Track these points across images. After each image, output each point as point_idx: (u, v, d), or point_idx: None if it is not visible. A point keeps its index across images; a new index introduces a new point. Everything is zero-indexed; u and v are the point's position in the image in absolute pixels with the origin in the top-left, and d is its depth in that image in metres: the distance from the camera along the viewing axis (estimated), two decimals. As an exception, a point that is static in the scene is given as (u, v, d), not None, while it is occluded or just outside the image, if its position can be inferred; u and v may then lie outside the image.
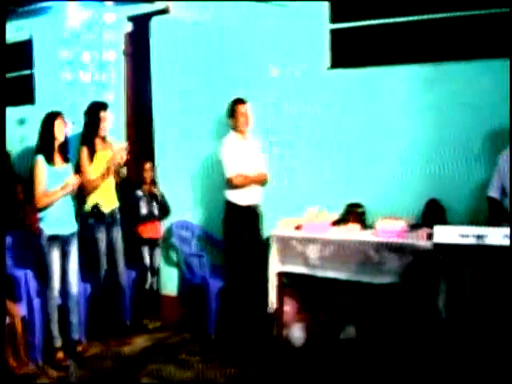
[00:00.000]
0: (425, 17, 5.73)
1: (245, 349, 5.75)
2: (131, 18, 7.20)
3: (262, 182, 6.03)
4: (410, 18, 5.80)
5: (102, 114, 6.07)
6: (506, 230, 4.31)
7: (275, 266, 5.61)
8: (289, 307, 5.87)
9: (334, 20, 6.16)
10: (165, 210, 6.84)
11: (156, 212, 6.79)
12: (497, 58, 5.40)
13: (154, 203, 6.78)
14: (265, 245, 5.75)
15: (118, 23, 7.14)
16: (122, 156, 6.02)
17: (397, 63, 5.87)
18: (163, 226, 6.96)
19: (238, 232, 5.90)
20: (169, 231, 6.90)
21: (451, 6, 5.60)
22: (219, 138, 6.13)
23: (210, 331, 6.24)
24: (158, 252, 6.86)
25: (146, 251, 6.75)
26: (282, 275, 5.66)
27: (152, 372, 5.49)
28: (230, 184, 5.86)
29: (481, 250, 4.29)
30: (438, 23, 5.68)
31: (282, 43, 6.30)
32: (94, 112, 6.06)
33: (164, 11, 6.89)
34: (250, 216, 5.97)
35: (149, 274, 6.77)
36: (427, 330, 4.93)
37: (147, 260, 6.76)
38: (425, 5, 5.70)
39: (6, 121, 5.85)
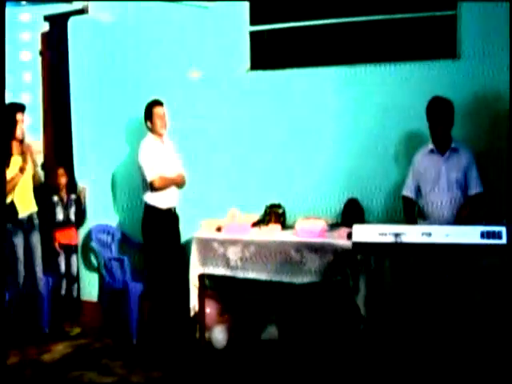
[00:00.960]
0: (342, 20, 5.78)
1: (167, 352, 5.64)
2: (48, 18, 6.96)
3: (181, 184, 5.94)
4: (328, 21, 5.84)
5: (19, 116, 5.83)
6: (423, 228, 4.35)
7: (196, 268, 5.52)
8: (210, 309, 5.79)
9: (253, 22, 6.12)
10: (80, 216, 6.62)
11: (72, 218, 6.57)
12: (411, 60, 5.51)
13: (72, 209, 6.55)
14: (185, 247, 5.66)
15: (34, 23, 6.91)
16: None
17: (315, 65, 5.89)
18: (81, 231, 6.75)
19: (157, 235, 5.79)
20: (88, 235, 6.70)
21: (368, 10, 5.69)
22: (137, 141, 5.99)
23: (131, 336, 6.09)
24: (74, 258, 6.62)
25: (62, 258, 6.52)
26: (203, 277, 5.56)
27: (74, 379, 5.30)
28: (152, 187, 5.74)
29: (399, 248, 4.32)
30: (353, 26, 5.75)
31: (202, 45, 6.22)
32: (10, 114, 5.80)
33: (82, 11, 6.69)
34: (169, 219, 5.89)
35: (64, 281, 6.53)
36: (348, 327, 4.96)
37: (63, 267, 6.53)
38: (342, 8, 5.75)
39: None
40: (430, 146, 5.05)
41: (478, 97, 5.40)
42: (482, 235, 4.10)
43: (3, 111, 5.55)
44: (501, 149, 5.34)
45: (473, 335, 4.54)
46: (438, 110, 4.95)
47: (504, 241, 4.06)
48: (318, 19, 5.87)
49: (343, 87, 5.75)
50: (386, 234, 4.27)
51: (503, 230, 4.08)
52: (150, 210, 5.82)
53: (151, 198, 5.80)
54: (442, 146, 5.00)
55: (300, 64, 5.96)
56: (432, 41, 5.56)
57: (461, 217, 4.85)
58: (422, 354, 4.58)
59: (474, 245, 4.10)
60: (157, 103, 5.89)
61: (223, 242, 5.41)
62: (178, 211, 5.97)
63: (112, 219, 6.70)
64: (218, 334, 5.74)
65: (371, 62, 5.67)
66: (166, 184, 5.78)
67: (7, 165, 5.68)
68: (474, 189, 4.96)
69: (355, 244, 4.39)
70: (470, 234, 4.14)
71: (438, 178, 4.99)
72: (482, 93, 5.39)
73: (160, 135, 5.90)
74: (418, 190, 5.11)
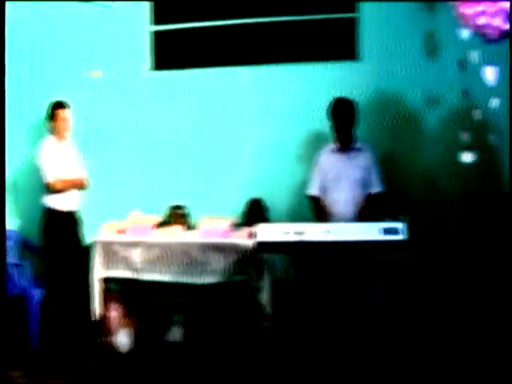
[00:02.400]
0: (246, 21, 5.74)
1: (70, 359, 5.39)
2: None
3: (82, 186, 5.70)
4: (232, 22, 5.78)
5: None
6: (325, 226, 4.43)
7: (98, 271, 5.34)
8: (114, 313, 5.59)
9: (155, 22, 5.97)
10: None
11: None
12: (314, 61, 5.51)
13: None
14: (87, 250, 5.43)
15: None
16: None
17: (219, 65, 5.82)
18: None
19: (58, 239, 5.55)
20: (-15, 240, 6.34)
21: (272, 11, 5.67)
22: (38, 141, 5.74)
23: (32, 343, 5.79)
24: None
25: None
26: (106, 281, 5.37)
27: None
28: (50, 189, 5.51)
29: (302, 246, 4.28)
30: (257, 27, 5.72)
31: (104, 45, 6.03)
32: None
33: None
34: (70, 222, 5.66)
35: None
36: (253, 326, 4.90)
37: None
38: (245, 9, 5.71)
39: None
40: (333, 145, 5.06)
41: (379, 97, 5.48)
42: (382, 232, 4.17)
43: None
44: (401, 148, 5.42)
45: (374, 330, 4.57)
46: (341, 110, 4.97)
47: (402, 237, 4.13)
48: (221, 20, 5.80)
49: (247, 87, 5.73)
50: (289, 233, 4.26)
51: (401, 226, 4.15)
52: (49, 212, 5.59)
53: (51, 201, 5.57)
54: (345, 145, 5.01)
55: (203, 64, 5.88)
56: (333, 42, 5.59)
57: (362, 215, 4.87)
58: (326, 350, 4.56)
59: (373, 241, 4.14)
60: (61, 105, 5.64)
61: (126, 245, 5.27)
62: (79, 214, 5.72)
63: (11, 223, 6.35)
64: (123, 338, 5.55)
65: (274, 63, 5.67)
66: (65, 186, 5.55)
67: None
68: (376, 187, 5.01)
69: (259, 243, 4.36)
70: (370, 231, 4.19)
71: (341, 176, 5.00)
72: (383, 93, 5.47)
73: (62, 137, 5.67)
74: (323, 189, 5.09)
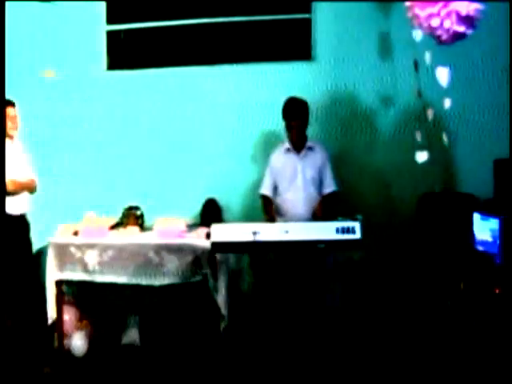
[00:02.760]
0: (201, 20, 5.69)
1: (24, 364, 5.26)
2: None
3: (32, 188, 5.53)
4: (187, 22, 5.73)
5: None
6: (280, 226, 4.39)
7: (53, 274, 5.23)
8: (69, 316, 5.49)
9: (110, 21, 5.89)
10: None
11: None
12: (268, 61, 5.51)
13: None
14: (40, 254, 5.33)
15: None
16: None
17: (174, 65, 5.77)
18: None
19: (8, 243, 5.36)
20: None
21: (227, 11, 5.65)
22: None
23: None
24: None
25: None
26: (60, 283, 5.26)
27: None
28: (-1, 191, 5.32)
29: (257, 246, 4.26)
30: (212, 27, 5.69)
31: (57, 44, 5.92)
32: None
33: None
34: (20, 225, 5.45)
35: None
36: (209, 327, 4.87)
37: None
38: (201, 8, 5.67)
39: None
40: (286, 145, 5.05)
41: (334, 97, 5.50)
42: (338, 231, 4.16)
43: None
44: (355, 148, 5.45)
45: (330, 328, 4.57)
46: (294, 110, 4.95)
47: (358, 236, 4.13)
48: (176, 19, 5.75)
49: (202, 87, 5.69)
50: (244, 233, 4.23)
51: (357, 225, 4.15)
52: (-1, 216, 5.41)
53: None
54: (298, 145, 5.01)
55: (159, 64, 5.82)
56: (288, 43, 5.59)
57: (315, 214, 4.86)
58: (283, 349, 4.54)
59: (329, 240, 4.13)
60: (8, 103, 5.48)
61: (80, 247, 5.17)
62: (29, 217, 5.56)
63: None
64: (78, 341, 5.45)
65: (229, 63, 5.63)
66: (16, 189, 5.36)
67: None
68: (329, 187, 5.01)
69: (214, 244, 4.31)
70: (325, 230, 4.18)
71: (295, 176, 4.99)
72: (337, 93, 5.49)
73: (10, 137, 5.50)
74: (276, 189, 5.07)
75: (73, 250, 5.18)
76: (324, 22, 5.47)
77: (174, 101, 5.72)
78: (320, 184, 5.01)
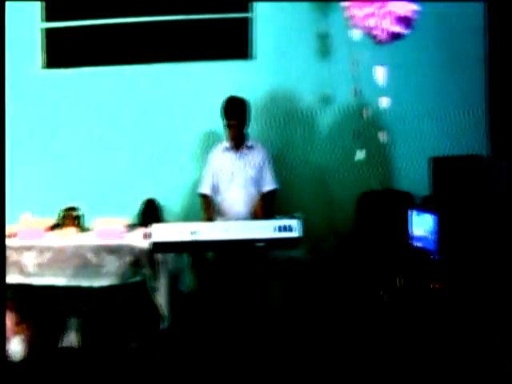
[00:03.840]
0: (140, 19, 5.63)
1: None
2: None
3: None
4: (125, 20, 5.66)
5: None
6: (220, 225, 4.38)
7: (-13, 277, 5.05)
8: (6, 320, 5.31)
9: (47, 19, 5.76)
10: None
11: None
12: (207, 60, 5.46)
13: None
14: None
15: None
16: None
17: (112, 63, 5.68)
18: None
19: None
20: None
21: (166, 9, 5.59)
22: None
23: None
24: None
25: None
26: (-4, 287, 5.11)
27: None
28: None
29: (197, 245, 4.22)
30: (150, 25, 5.63)
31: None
32: None
33: None
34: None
35: None
36: (150, 328, 4.80)
37: None
38: (140, 6, 5.60)
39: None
40: (226, 143, 5.03)
41: (272, 96, 5.50)
42: (276, 229, 4.15)
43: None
44: (295, 146, 5.46)
45: (270, 327, 4.57)
46: (232, 109, 4.92)
47: (297, 234, 4.13)
48: (114, 17, 5.66)
49: (141, 86, 5.62)
50: (184, 233, 4.18)
51: (296, 223, 4.15)
52: None
53: None
54: (237, 144, 4.98)
55: (96, 62, 5.72)
56: (227, 42, 5.57)
57: (255, 213, 4.84)
58: (224, 349, 4.52)
59: (268, 239, 4.12)
60: None
61: (17, 249, 5.00)
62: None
63: None
64: (15, 346, 5.30)
65: (168, 62, 5.58)
66: None
67: None
68: (268, 185, 5.00)
69: (154, 244, 4.26)
70: (264, 229, 4.17)
71: (234, 175, 4.97)
72: (276, 92, 5.49)
73: None
74: (215, 188, 5.04)
75: (9, 252, 5.00)
76: (263, 21, 5.47)
77: (112, 100, 5.63)
78: (260, 182, 4.99)
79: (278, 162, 5.17)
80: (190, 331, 4.75)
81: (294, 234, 4.14)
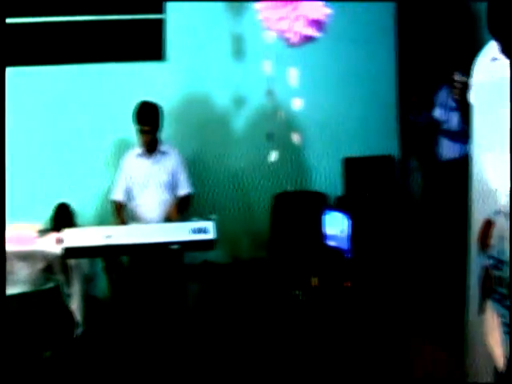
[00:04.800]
0: (52, 19, 5.47)
1: None
2: None
3: None
4: (37, 20, 5.47)
5: None
6: (134, 228, 4.37)
7: None
8: None
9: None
10: None
11: None
12: (119, 61, 5.37)
13: None
14: None
15: None
16: None
17: (24, 64, 5.47)
18: None
19: None
20: None
21: (78, 9, 5.44)
22: None
23: None
24: None
25: None
26: None
27: None
28: None
29: (111, 250, 4.14)
30: (63, 26, 5.48)
31: None
32: None
33: None
34: None
35: None
36: (64, 335, 4.69)
37: None
38: (53, 6, 5.43)
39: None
40: (139, 149, 4.95)
41: (187, 98, 5.45)
42: (191, 231, 4.14)
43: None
44: (210, 149, 5.43)
45: (187, 329, 4.53)
46: (144, 115, 4.83)
47: (212, 236, 4.12)
48: (27, 17, 5.46)
49: (51, 87, 5.43)
50: (97, 237, 4.11)
51: (210, 225, 4.14)
52: None
53: None
54: (150, 149, 4.92)
55: (12, 63, 5.48)
56: (140, 43, 5.48)
57: (170, 216, 4.81)
58: (140, 354, 4.46)
59: (183, 241, 4.10)
60: None
61: None
62: None
63: None
64: None
65: (79, 63, 5.43)
66: None
67: None
68: (183, 189, 4.96)
69: (66, 249, 4.16)
70: (179, 231, 4.15)
71: (147, 180, 4.91)
72: (191, 94, 5.45)
73: None
74: (128, 193, 4.97)
75: None
76: (177, 22, 5.41)
77: (22, 102, 5.42)
78: (174, 187, 4.95)
79: (193, 165, 5.13)
80: (106, 337, 4.66)
81: (209, 235, 4.13)
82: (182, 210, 4.85)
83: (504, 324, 3.03)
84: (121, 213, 4.96)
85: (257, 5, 4.51)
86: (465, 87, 3.64)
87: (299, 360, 4.24)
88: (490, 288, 3.17)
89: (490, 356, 3.16)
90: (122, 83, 5.38)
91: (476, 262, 3.32)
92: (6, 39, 5.40)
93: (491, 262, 3.14)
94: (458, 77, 3.67)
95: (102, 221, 5.18)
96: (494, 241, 3.14)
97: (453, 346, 3.79)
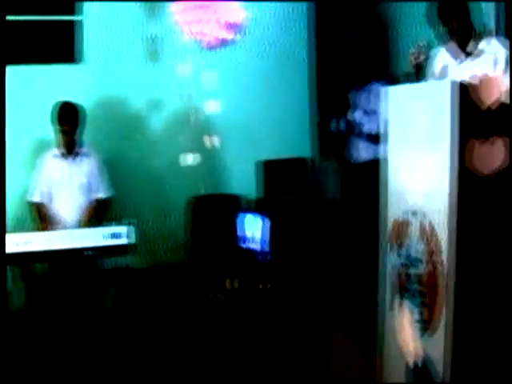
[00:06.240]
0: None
1: None
2: None
3: None
4: None
5: None
6: (51, 234, 4.24)
7: None
8: None
9: None
10: None
11: None
12: (35, 63, 5.21)
13: None
14: None
15: None
16: None
17: None
18: None
19: None
20: None
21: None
22: None
23: None
24: None
25: None
26: None
27: None
28: None
29: (27, 257, 4.05)
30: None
31: None
32: None
33: None
34: None
35: None
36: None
37: None
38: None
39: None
40: (57, 150, 4.83)
41: (103, 101, 5.34)
42: (107, 236, 4.09)
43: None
44: (127, 152, 5.35)
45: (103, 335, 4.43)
46: (63, 115, 4.73)
47: (128, 240, 4.07)
48: None
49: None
50: (11, 244, 3.97)
51: (126, 229, 4.08)
52: None
53: None
54: (69, 150, 4.80)
55: None
56: (52, 45, 5.29)
57: (87, 220, 4.70)
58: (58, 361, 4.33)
59: (98, 247, 4.03)
60: None
61: None
62: None
63: None
64: None
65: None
66: None
67: None
68: (101, 193, 4.86)
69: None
70: (94, 237, 4.09)
71: (66, 182, 4.78)
72: (107, 97, 5.34)
73: None
74: (46, 195, 4.82)
75: None
76: (91, 24, 5.28)
77: None
78: (92, 190, 4.83)
79: (112, 168, 5.01)
80: (20, 346, 4.49)
81: (125, 240, 4.08)
82: (99, 214, 4.75)
83: (416, 319, 3.12)
84: (40, 215, 4.80)
85: (173, 7, 4.48)
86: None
87: (217, 362, 4.22)
88: (402, 285, 3.25)
89: (401, 351, 3.25)
90: (39, 84, 5.18)
91: (388, 261, 3.39)
92: None
93: (403, 260, 3.22)
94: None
95: (18, 225, 4.99)
96: (406, 240, 3.22)
97: (367, 343, 3.86)
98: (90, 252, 4.02)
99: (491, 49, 3.65)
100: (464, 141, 2.79)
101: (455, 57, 3.76)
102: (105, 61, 5.31)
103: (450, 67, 3.89)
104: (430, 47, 3.70)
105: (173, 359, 4.37)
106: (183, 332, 4.64)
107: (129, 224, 4.13)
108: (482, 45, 3.70)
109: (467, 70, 3.62)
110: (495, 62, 3.57)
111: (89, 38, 5.30)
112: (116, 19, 5.32)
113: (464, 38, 3.63)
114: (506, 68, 3.55)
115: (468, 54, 3.72)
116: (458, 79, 3.42)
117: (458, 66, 3.78)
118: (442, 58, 3.90)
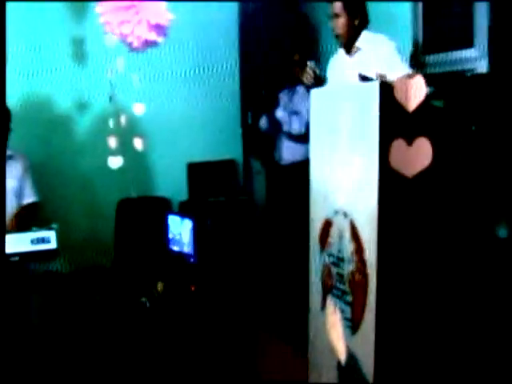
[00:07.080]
0: None
1: None
2: None
3: None
4: None
5: None
6: None
7: None
8: None
9: None
10: None
11: None
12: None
13: None
14: None
15: None
16: None
17: None
18: None
19: None
20: None
21: None
22: None
23: None
24: None
25: None
26: None
27: None
28: None
29: None
30: None
31: None
32: None
33: None
34: None
35: None
36: None
37: None
38: None
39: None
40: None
41: (29, 103, 5.17)
42: (32, 242, 3.95)
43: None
44: (55, 155, 5.22)
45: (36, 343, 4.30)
46: None
47: (54, 245, 3.96)
48: None
49: None
50: None
51: (52, 234, 3.97)
52: None
53: None
54: None
55: None
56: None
57: (13, 226, 4.53)
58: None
59: (23, 253, 3.89)
60: None
61: None
62: None
63: None
64: None
65: None
66: None
67: None
68: (28, 197, 4.69)
69: None
70: (19, 242, 3.95)
71: None
72: (33, 98, 5.19)
73: None
74: None
75: None
76: (16, 24, 5.09)
77: None
78: (19, 194, 4.64)
79: (40, 171, 4.86)
80: None
81: (51, 245, 3.95)
82: (26, 219, 4.58)
83: (344, 319, 3.15)
84: None
85: (98, 8, 4.38)
86: (316, 77, 3.79)
87: (147, 367, 4.15)
88: (331, 284, 3.27)
89: (332, 350, 3.27)
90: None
91: (317, 260, 3.41)
92: None
93: (331, 259, 3.24)
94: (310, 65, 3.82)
95: None
96: (333, 239, 3.24)
97: (298, 342, 3.87)
98: (16, 258, 3.88)
99: (371, 46, 3.78)
100: (385, 141, 2.83)
101: (341, 57, 3.90)
102: (30, 61, 5.16)
103: (336, 68, 4.02)
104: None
105: (100, 364, 4.29)
106: (111, 336, 4.56)
107: (53, 229, 4.01)
108: (360, 42, 3.83)
109: (347, 70, 3.75)
110: (379, 59, 3.67)
111: (13, 38, 5.15)
112: (41, 18, 5.19)
113: (346, 36, 3.83)
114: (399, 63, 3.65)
115: (348, 53, 3.86)
116: (343, 78, 3.53)
117: (342, 66, 3.92)
118: (333, 62, 4.04)
